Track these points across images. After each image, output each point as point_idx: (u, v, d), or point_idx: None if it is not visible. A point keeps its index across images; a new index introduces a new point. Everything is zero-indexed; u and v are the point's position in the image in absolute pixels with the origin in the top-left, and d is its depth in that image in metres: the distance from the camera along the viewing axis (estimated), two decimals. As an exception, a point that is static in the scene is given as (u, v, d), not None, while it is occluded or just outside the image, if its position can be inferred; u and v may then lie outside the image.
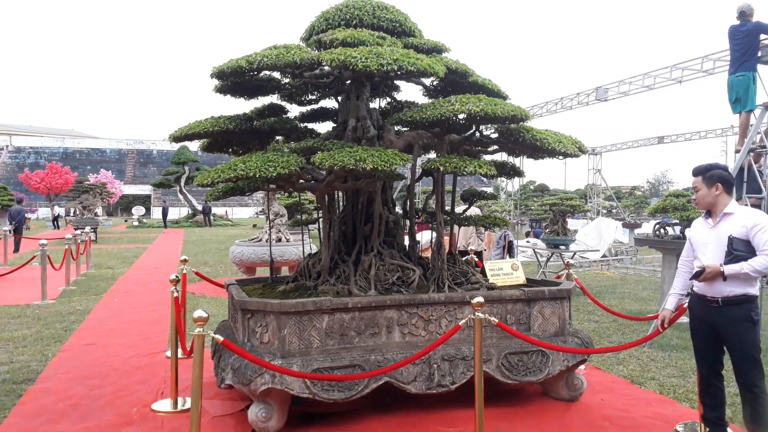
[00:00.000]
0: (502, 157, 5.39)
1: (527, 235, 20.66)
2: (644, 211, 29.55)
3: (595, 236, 17.06)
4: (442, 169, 3.97)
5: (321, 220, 4.78)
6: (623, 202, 33.73)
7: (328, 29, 4.66)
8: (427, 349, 3.81)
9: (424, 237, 9.70)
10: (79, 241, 12.33)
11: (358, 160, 3.70)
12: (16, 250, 17.60)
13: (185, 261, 6.23)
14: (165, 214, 39.48)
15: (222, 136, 4.72)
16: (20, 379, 5.33)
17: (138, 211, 44.50)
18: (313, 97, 5.40)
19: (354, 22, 4.66)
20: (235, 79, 4.32)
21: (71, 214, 28.54)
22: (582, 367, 5.70)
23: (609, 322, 8.09)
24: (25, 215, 19.60)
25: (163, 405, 4.63)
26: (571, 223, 25.22)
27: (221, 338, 3.23)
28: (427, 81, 5.22)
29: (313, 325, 4.06)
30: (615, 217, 26.05)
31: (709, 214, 3.73)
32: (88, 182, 32.43)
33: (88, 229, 15.58)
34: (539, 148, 4.23)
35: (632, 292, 10.74)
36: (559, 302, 4.68)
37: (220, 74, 4.10)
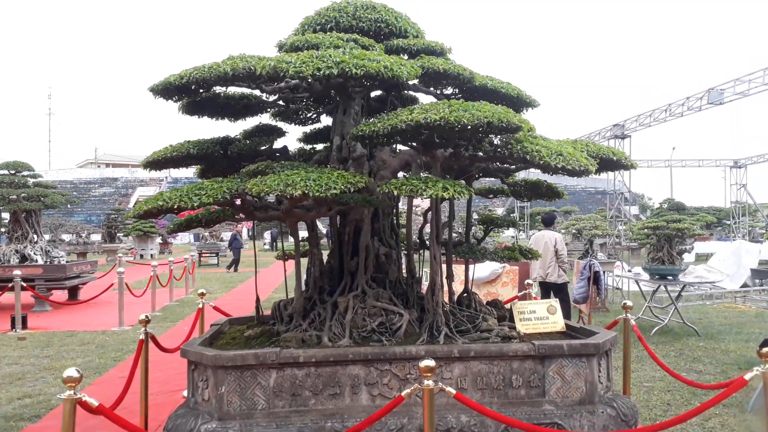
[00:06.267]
0: (527, 174, 4.41)
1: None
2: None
3: (733, 262, 14.65)
4: (396, 192, 3.19)
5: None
6: (782, 221, 29.22)
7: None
8: (371, 419, 3.01)
9: (484, 270, 8.64)
10: (171, 268, 12.75)
11: (288, 185, 3.05)
12: (235, 270, 20.82)
13: (203, 294, 5.92)
14: (274, 238, 36.83)
15: (190, 162, 4.29)
16: (29, 415, 5.25)
17: (269, 235, 46.65)
18: (311, 115, 4.84)
19: (329, 26, 4.04)
20: (190, 98, 3.87)
21: (200, 239, 30.47)
22: (644, 439, 4.48)
23: (716, 372, 6.57)
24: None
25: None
26: (713, 247, 22.19)
27: (95, 403, 2.70)
28: (447, 89, 4.46)
29: (257, 382, 3.43)
30: (770, 239, 22.46)
31: None
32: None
33: (192, 254, 16.22)
34: (530, 162, 3.28)
35: (765, 333, 8.80)
36: (585, 360, 3.62)
37: (156, 91, 3.66)
